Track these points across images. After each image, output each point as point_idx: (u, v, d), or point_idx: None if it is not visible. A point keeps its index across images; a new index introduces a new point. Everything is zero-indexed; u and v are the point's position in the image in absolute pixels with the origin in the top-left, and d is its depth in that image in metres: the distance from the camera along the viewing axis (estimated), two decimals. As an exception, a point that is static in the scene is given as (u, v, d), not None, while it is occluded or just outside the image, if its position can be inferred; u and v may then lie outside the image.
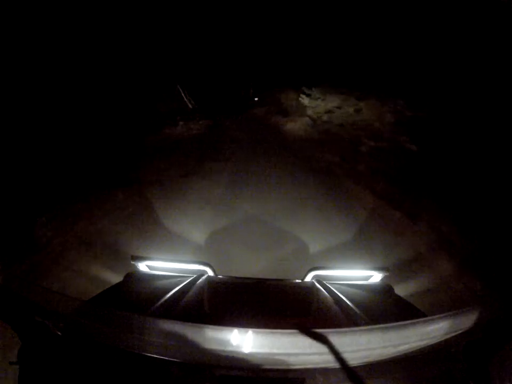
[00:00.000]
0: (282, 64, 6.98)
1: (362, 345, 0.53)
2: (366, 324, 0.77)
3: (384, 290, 1.22)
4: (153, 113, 6.00)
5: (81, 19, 5.31)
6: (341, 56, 6.84)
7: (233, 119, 6.11)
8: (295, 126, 5.83)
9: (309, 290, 1.19)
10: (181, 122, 5.88)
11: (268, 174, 4.22)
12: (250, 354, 0.52)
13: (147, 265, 1.31)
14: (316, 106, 6.37)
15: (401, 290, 1.59)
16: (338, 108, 6.18)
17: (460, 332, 0.57)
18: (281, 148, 5.05)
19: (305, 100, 6.63)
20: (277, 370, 0.55)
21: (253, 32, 6.68)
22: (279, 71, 6.99)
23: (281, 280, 1.45)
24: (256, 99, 6.75)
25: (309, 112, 6.24)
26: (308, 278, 1.37)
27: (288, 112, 6.35)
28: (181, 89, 6.30)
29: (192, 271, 1.30)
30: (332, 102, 6.37)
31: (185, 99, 6.36)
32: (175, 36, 6.21)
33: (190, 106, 6.40)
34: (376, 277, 1.34)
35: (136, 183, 3.90)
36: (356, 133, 5.30)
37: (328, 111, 6.11)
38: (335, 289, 1.10)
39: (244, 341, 0.52)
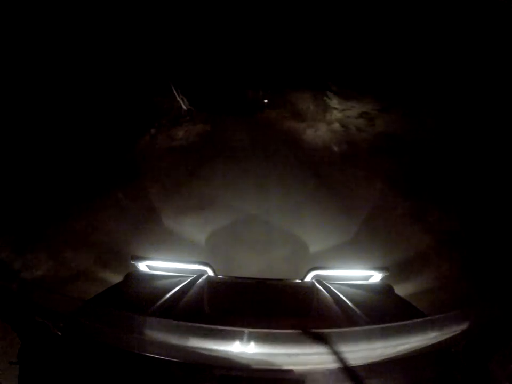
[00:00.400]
0: (297, 55, 5.22)
1: (362, 345, 0.53)
2: (366, 323, 0.77)
3: (384, 290, 1.22)
4: (135, 115, 4.66)
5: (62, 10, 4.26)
6: (388, 40, 4.53)
7: (237, 124, 4.98)
8: (316, 134, 4.38)
9: (309, 290, 1.19)
10: (163, 129, 4.55)
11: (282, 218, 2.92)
12: (250, 354, 0.52)
13: (147, 265, 1.32)
14: (348, 108, 4.65)
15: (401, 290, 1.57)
16: (383, 110, 4.31)
17: (460, 331, 0.57)
18: (298, 168, 3.63)
19: (332, 100, 4.99)
20: (277, 370, 0.55)
21: (262, 20, 4.99)
22: (294, 64, 5.25)
23: (281, 280, 1.45)
24: (266, 101, 5.47)
25: (338, 115, 4.65)
26: (308, 278, 1.37)
27: (306, 116, 4.98)
28: (173, 86, 5.06)
29: (192, 271, 1.30)
30: (372, 102, 4.50)
31: (178, 98, 5.10)
32: (170, 25, 4.88)
33: (183, 107, 5.15)
34: (376, 277, 1.35)
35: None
36: (412, 149, 3.47)
37: (364, 115, 4.34)
38: (335, 289, 1.10)
39: (244, 341, 0.52)
